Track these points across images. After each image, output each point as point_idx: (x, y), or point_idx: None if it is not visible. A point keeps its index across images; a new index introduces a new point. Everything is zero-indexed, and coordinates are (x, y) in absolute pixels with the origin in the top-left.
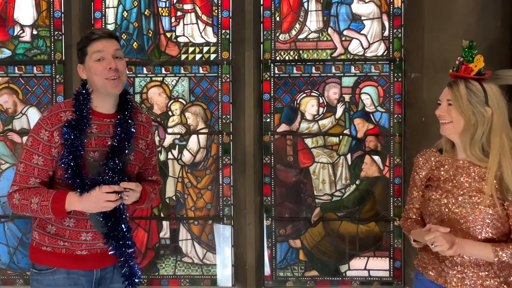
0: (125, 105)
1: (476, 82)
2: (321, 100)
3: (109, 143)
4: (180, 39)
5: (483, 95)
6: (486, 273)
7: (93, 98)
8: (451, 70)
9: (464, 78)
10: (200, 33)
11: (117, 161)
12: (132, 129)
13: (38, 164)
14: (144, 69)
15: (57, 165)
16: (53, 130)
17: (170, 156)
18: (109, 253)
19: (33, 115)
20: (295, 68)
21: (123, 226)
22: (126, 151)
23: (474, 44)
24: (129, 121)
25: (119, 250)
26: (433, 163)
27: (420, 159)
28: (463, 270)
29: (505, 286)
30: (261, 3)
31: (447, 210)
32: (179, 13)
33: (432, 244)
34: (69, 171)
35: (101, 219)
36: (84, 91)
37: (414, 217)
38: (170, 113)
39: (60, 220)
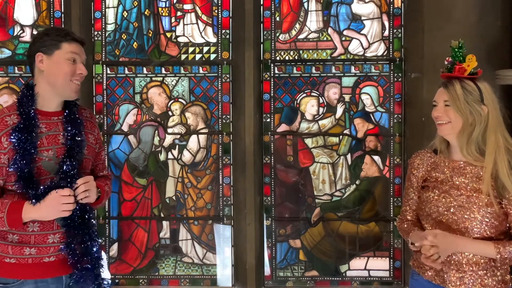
0: (70, 102)
1: (470, 81)
2: (321, 100)
3: (61, 140)
4: (180, 39)
5: (479, 94)
6: (485, 271)
7: (38, 98)
8: (442, 71)
9: (459, 78)
10: (200, 33)
11: (73, 162)
12: (81, 125)
13: None
14: (144, 69)
15: (7, 172)
16: (0, 136)
17: (170, 156)
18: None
19: None
20: (295, 68)
21: (88, 235)
22: (81, 148)
23: (463, 44)
24: (77, 116)
25: (79, 259)
26: (429, 164)
27: (415, 160)
28: (462, 269)
29: (502, 284)
30: (261, 3)
31: (444, 210)
32: (179, 13)
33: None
34: (20, 181)
35: (63, 225)
36: (28, 93)
37: (410, 218)
38: (170, 113)
39: (24, 226)
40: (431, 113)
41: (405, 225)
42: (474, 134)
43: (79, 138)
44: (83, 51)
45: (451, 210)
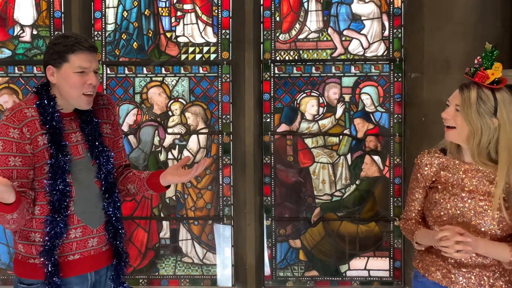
0: None
1: (489, 90)
2: (321, 100)
3: (73, 138)
4: (180, 39)
5: (493, 106)
6: (492, 273)
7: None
8: (470, 70)
9: (478, 84)
10: (200, 33)
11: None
12: (97, 127)
13: (16, 165)
14: (144, 69)
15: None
16: (22, 126)
17: (170, 156)
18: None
19: None
20: (295, 68)
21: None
22: (108, 158)
23: (496, 50)
24: (94, 119)
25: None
26: (438, 164)
27: (423, 159)
28: (470, 271)
29: (510, 285)
30: (261, 3)
31: (455, 213)
32: (179, 13)
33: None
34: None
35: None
36: (47, 100)
37: (415, 218)
38: (170, 113)
39: (41, 223)
40: (441, 114)
41: (409, 224)
42: (482, 144)
43: (100, 148)
44: (94, 58)
45: (463, 213)
